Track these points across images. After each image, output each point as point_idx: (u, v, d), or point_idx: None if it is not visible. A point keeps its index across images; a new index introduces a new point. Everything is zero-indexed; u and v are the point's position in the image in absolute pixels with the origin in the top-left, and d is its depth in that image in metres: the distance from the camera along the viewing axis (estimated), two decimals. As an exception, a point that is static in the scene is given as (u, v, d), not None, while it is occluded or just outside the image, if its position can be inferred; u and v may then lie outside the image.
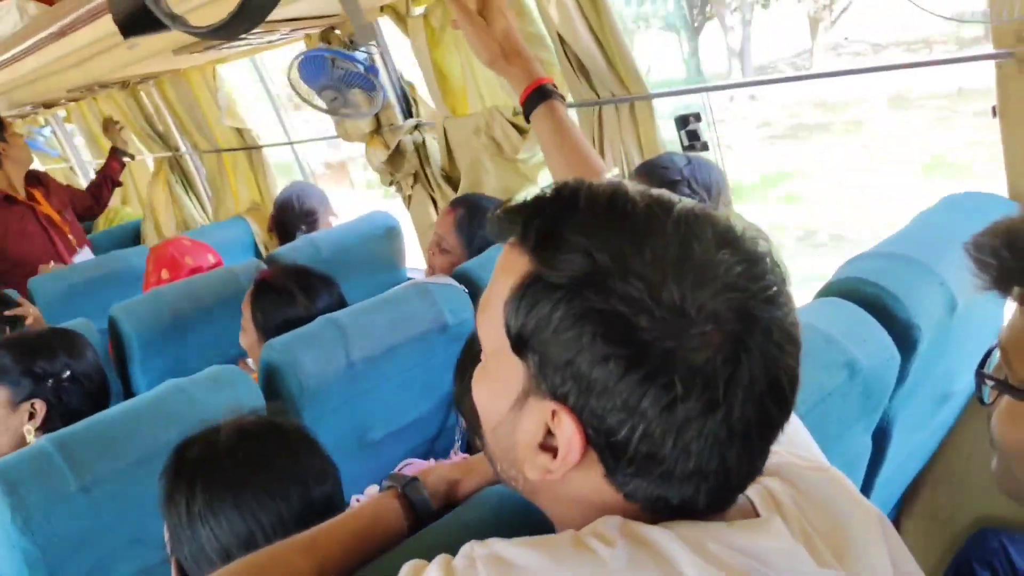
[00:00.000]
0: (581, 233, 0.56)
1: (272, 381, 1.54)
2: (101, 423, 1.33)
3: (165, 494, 0.98)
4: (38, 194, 3.01)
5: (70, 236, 3.05)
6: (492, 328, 0.61)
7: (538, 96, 1.12)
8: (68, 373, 1.60)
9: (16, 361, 1.57)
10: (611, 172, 1.10)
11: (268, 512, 0.93)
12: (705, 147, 1.79)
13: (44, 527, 1.20)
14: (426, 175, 2.51)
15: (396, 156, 2.45)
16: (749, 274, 0.55)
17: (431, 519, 0.81)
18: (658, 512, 0.58)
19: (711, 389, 0.54)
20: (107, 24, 1.79)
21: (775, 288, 0.56)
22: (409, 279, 2.65)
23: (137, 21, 1.23)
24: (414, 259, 2.76)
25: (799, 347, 0.57)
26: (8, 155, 2.82)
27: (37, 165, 5.67)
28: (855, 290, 1.23)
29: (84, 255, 3.11)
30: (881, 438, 1.27)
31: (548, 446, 0.60)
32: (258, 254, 3.29)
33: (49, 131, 4.94)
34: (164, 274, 2.45)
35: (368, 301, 1.71)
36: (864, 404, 1.17)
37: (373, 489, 1.21)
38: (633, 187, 0.59)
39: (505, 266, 0.61)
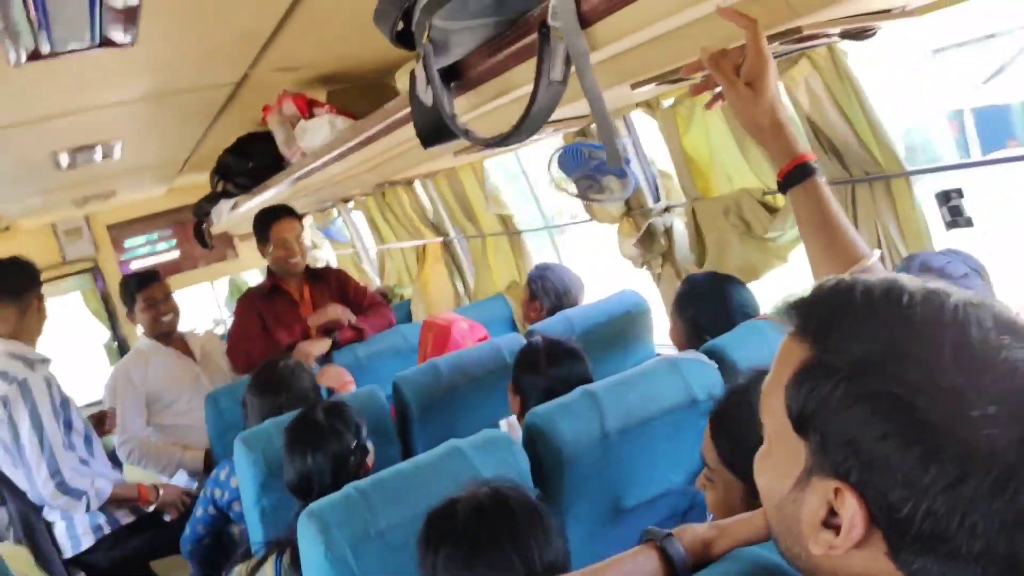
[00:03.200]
0: (858, 322, 0.61)
1: (534, 445, 1.68)
2: (394, 476, 1.54)
3: (419, 557, 1.18)
4: (308, 292, 3.27)
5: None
6: (774, 413, 0.67)
7: (799, 173, 1.09)
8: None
9: None
10: (874, 257, 1.07)
11: None
12: (969, 223, 1.73)
13: (348, 563, 1.39)
14: (673, 255, 2.61)
15: (646, 238, 2.58)
16: None
17: (686, 574, 0.88)
18: None
19: (998, 469, 0.54)
20: (401, 134, 2.09)
21: None
22: (657, 355, 2.74)
23: (435, 134, 1.47)
24: (664, 336, 2.84)
25: None
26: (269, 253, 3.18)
27: (328, 250, 6.53)
28: None
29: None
30: None
31: (831, 524, 0.63)
32: (515, 329, 3.54)
33: (340, 221, 5.68)
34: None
35: (621, 374, 1.82)
36: None
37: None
38: (909, 280, 0.63)
39: (785, 355, 0.66)
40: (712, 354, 1.87)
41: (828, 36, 1.33)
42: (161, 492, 2.91)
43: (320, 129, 2.82)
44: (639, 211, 2.62)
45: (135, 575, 2.94)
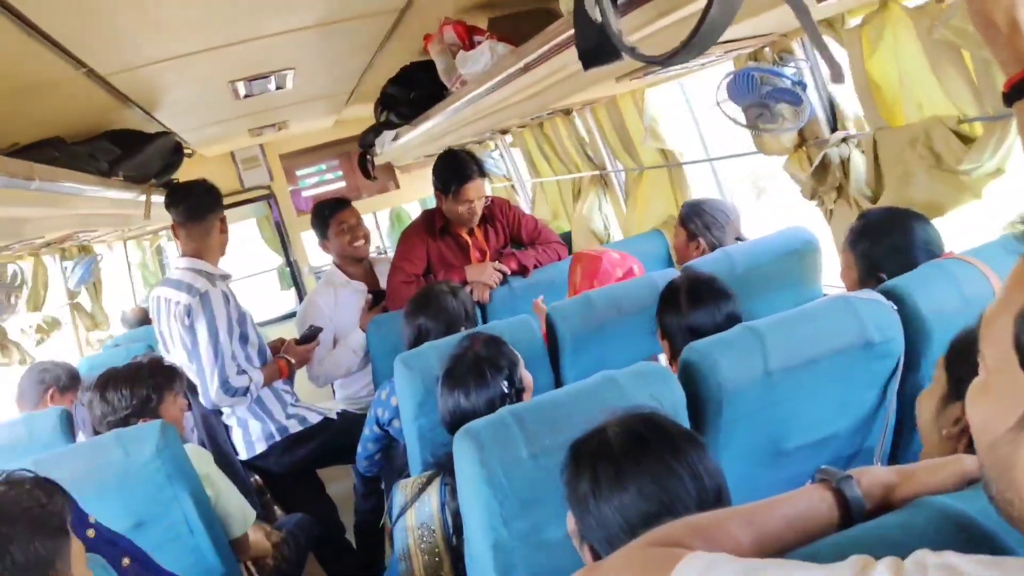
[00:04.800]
0: None
1: (691, 380, 1.63)
2: (548, 402, 1.54)
3: (570, 487, 1.12)
4: (479, 233, 3.33)
5: None
6: (998, 344, 0.60)
7: None
8: None
9: None
10: None
11: (669, 495, 1.02)
12: None
13: (503, 483, 1.42)
14: (848, 189, 2.43)
15: (820, 170, 2.41)
16: None
17: (861, 519, 0.82)
18: None
19: None
20: (563, 59, 2.03)
21: None
22: (824, 296, 2.58)
23: (598, 53, 1.41)
24: (833, 276, 2.67)
25: None
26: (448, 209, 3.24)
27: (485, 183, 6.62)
28: None
29: None
30: None
31: None
32: (671, 265, 3.44)
33: (496, 153, 5.71)
34: (595, 284, 2.70)
35: (788, 312, 1.72)
36: None
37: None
38: None
39: (1018, 279, 0.59)
40: (890, 294, 1.74)
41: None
42: (292, 361, 3.12)
43: (481, 57, 2.79)
44: (813, 141, 2.44)
45: (303, 480, 3.16)
